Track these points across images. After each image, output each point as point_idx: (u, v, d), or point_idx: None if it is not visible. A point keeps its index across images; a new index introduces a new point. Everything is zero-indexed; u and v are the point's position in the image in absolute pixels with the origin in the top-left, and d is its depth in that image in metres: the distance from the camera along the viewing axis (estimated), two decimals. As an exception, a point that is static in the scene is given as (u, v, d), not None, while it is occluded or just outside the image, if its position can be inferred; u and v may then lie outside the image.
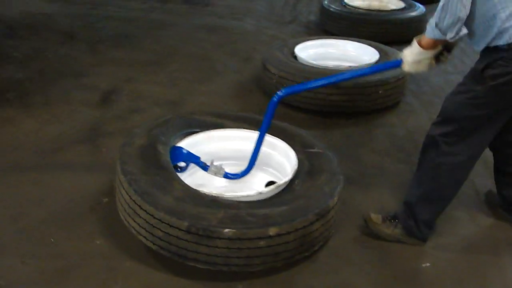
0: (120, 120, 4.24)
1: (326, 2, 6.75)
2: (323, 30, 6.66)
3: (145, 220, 2.53)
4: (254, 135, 3.17)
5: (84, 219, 3.05)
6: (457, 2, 2.42)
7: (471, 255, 2.93)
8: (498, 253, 2.94)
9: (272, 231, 2.45)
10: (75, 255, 2.78)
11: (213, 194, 2.67)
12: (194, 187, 2.71)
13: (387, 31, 6.18)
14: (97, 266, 2.71)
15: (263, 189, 2.83)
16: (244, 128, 3.31)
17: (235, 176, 3.13)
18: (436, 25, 2.53)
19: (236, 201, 2.62)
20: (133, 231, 2.66)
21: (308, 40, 5.17)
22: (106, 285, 2.61)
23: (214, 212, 2.47)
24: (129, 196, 2.60)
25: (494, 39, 2.46)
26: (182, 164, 3.08)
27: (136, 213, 2.57)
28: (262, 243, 2.45)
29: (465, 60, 4.58)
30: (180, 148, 3.07)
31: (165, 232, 2.47)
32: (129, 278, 2.65)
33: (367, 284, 2.70)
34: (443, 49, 2.69)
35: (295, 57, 4.76)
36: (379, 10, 6.75)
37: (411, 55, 2.73)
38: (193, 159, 3.07)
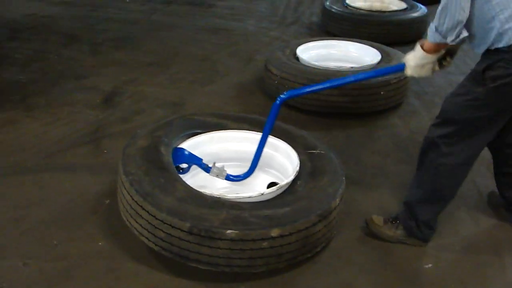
0: (122, 121, 4.24)
1: (328, 3, 6.75)
2: (325, 31, 6.66)
3: (147, 221, 2.53)
4: (256, 136, 3.17)
5: (86, 220, 3.05)
6: (455, 5, 2.41)
7: (473, 256, 2.93)
8: (500, 254, 2.93)
9: (274, 232, 2.44)
10: (77, 256, 2.78)
11: (215, 195, 2.67)
12: (196, 189, 2.71)
13: (389, 32, 6.18)
14: (99, 267, 2.72)
15: (265, 190, 2.82)
16: (246, 129, 3.30)
17: (237, 178, 3.12)
18: (436, 29, 2.53)
19: (239, 202, 2.62)
20: (135, 232, 2.66)
21: (310, 41, 5.16)
22: (107, 286, 2.61)
23: (216, 213, 2.47)
24: (131, 197, 2.60)
25: (494, 41, 2.46)
26: (184, 165, 3.08)
27: (138, 214, 2.57)
28: (264, 244, 2.45)
29: (467, 61, 4.57)
30: (182, 149, 3.07)
31: (167, 233, 2.47)
32: (131, 279, 2.65)
33: (369, 285, 2.70)
34: (445, 54, 2.69)
35: (297, 58, 4.75)
36: (380, 11, 6.74)
37: (414, 59, 2.72)
38: (195, 160, 3.07)
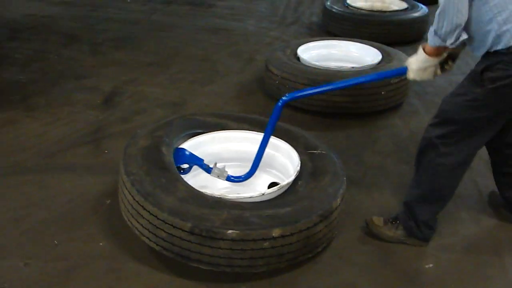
0: (122, 121, 4.24)
1: (328, 3, 6.74)
2: (326, 31, 6.66)
3: (148, 221, 2.53)
4: (257, 136, 3.17)
5: (87, 220, 3.05)
6: (452, 8, 2.42)
7: (474, 256, 2.92)
8: (501, 254, 2.93)
9: (275, 232, 2.44)
10: (78, 257, 2.78)
11: (216, 196, 2.66)
12: (197, 189, 2.70)
13: (389, 32, 6.17)
14: (100, 267, 2.71)
15: (266, 190, 2.82)
16: (247, 129, 3.30)
17: (238, 179, 3.12)
18: (435, 32, 2.54)
19: (240, 202, 2.61)
20: (136, 232, 2.66)
21: (310, 41, 5.16)
22: (108, 286, 2.61)
23: (217, 213, 2.46)
24: (132, 196, 2.60)
25: (492, 44, 2.45)
26: (185, 166, 3.07)
27: (140, 214, 2.57)
28: (265, 244, 2.45)
29: (469, 62, 4.56)
30: (183, 150, 3.07)
31: (169, 233, 2.47)
32: (132, 279, 2.65)
33: (370, 285, 2.70)
34: (447, 58, 2.70)
35: (297, 58, 4.75)
36: (381, 11, 6.74)
37: (417, 63, 2.73)
38: (196, 161, 3.06)
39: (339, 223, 2.87)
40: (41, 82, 4.92)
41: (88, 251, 2.82)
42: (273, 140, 3.10)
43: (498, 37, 2.42)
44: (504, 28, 2.40)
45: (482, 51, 2.53)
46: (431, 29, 2.56)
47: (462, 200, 3.33)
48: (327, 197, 2.69)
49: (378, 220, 2.99)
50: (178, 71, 5.35)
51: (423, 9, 6.60)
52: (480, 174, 3.55)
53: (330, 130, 4.19)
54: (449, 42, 2.51)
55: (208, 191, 2.72)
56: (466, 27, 2.49)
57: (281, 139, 3.17)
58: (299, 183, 2.82)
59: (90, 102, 4.56)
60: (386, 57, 4.69)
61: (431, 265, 2.83)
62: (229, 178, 3.11)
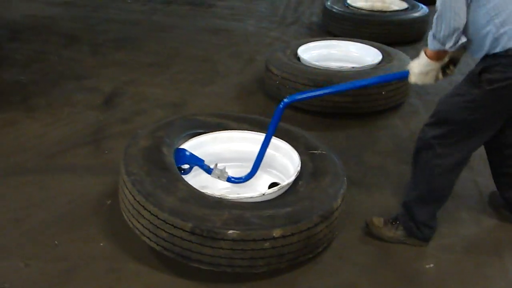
0: (122, 122, 4.24)
1: (328, 3, 6.74)
2: (326, 31, 6.65)
3: (149, 221, 2.53)
4: (258, 136, 3.18)
5: (87, 221, 3.05)
6: (449, 12, 2.42)
7: (474, 256, 2.92)
8: (501, 254, 2.93)
9: (276, 232, 2.44)
10: (78, 257, 2.78)
11: (217, 196, 2.66)
12: (198, 189, 2.70)
13: (390, 32, 6.17)
14: (100, 268, 2.71)
15: (266, 190, 2.82)
16: (247, 129, 3.30)
17: (238, 180, 3.12)
18: (434, 36, 2.55)
19: (241, 203, 2.61)
20: (137, 232, 2.66)
21: (310, 41, 5.16)
22: (108, 286, 2.61)
23: (218, 214, 2.46)
24: (133, 197, 2.60)
25: (490, 47, 2.45)
26: (186, 166, 3.08)
27: (140, 214, 2.57)
28: (266, 244, 2.45)
29: (469, 62, 4.54)
30: (184, 150, 3.07)
31: (169, 233, 2.47)
32: (132, 280, 2.65)
33: (370, 285, 2.70)
34: (449, 62, 2.70)
35: (297, 58, 4.75)
36: (382, 11, 6.74)
37: (418, 67, 2.73)
38: (197, 162, 3.06)
39: (340, 224, 2.87)
40: (42, 82, 4.92)
41: (89, 251, 2.82)
42: (273, 140, 3.10)
43: (496, 40, 2.42)
44: (502, 30, 2.40)
45: (481, 54, 2.53)
46: (430, 33, 2.57)
47: (462, 200, 3.33)
48: (327, 198, 2.69)
49: (378, 221, 2.99)
50: (179, 71, 5.35)
51: (423, 9, 6.60)
52: (480, 174, 3.55)
53: (331, 130, 4.19)
54: (448, 46, 2.52)
55: (208, 191, 2.72)
56: (464, 31, 2.50)
57: (282, 139, 3.17)
58: (299, 184, 2.82)
59: (91, 102, 4.56)
60: (386, 57, 4.69)
61: (431, 265, 2.83)
62: (230, 179, 3.11)
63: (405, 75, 2.82)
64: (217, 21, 7.18)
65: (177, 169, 2.84)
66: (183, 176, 2.91)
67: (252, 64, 5.59)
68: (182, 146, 3.10)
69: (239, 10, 7.71)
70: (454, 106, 2.62)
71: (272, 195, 2.77)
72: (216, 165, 3.08)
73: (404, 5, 6.81)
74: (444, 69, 2.73)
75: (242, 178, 3.12)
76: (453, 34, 2.47)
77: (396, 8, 6.86)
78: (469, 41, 2.55)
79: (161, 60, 5.63)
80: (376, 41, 5.17)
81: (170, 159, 2.89)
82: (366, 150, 3.93)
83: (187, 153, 3.06)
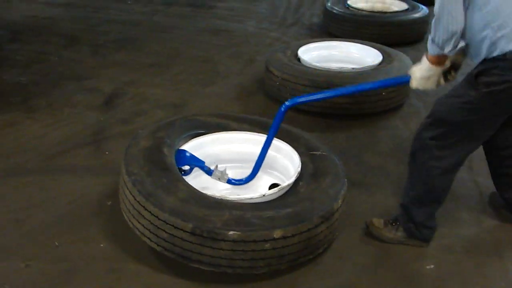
0: (123, 123, 4.24)
1: (329, 4, 6.74)
2: (326, 32, 6.65)
3: (149, 221, 2.53)
4: (258, 137, 3.18)
5: (88, 222, 3.05)
6: (447, 16, 2.42)
7: (475, 257, 2.92)
8: (502, 255, 2.93)
9: (277, 233, 2.44)
10: (79, 258, 2.78)
11: (217, 196, 2.66)
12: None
13: (390, 33, 6.17)
14: (100, 268, 2.71)
15: (266, 191, 2.82)
16: (249, 130, 3.30)
17: (238, 182, 3.12)
18: (433, 41, 2.55)
19: (241, 203, 2.61)
20: (137, 233, 2.66)
21: (311, 42, 5.17)
22: (109, 287, 2.61)
23: (219, 214, 2.46)
24: (134, 197, 2.60)
25: (488, 52, 2.45)
26: (186, 167, 3.08)
27: (141, 214, 2.57)
28: (266, 245, 2.45)
29: (470, 63, 4.57)
30: (184, 151, 3.07)
31: (170, 234, 2.47)
32: (133, 280, 2.65)
33: (371, 286, 2.70)
34: (450, 68, 2.70)
35: (298, 59, 4.75)
36: (382, 12, 6.74)
37: (420, 71, 2.73)
38: (197, 163, 3.06)
39: (340, 224, 2.87)
40: (42, 83, 4.92)
41: (89, 252, 2.82)
42: (274, 141, 3.10)
43: (493, 44, 2.42)
44: (499, 34, 2.39)
45: (479, 58, 2.52)
46: (429, 38, 2.57)
47: (462, 200, 3.33)
48: (328, 199, 2.69)
49: (378, 222, 2.99)
50: (179, 72, 5.35)
51: (423, 10, 6.60)
52: (480, 174, 3.54)
53: (331, 131, 4.20)
54: (447, 50, 2.52)
55: (209, 192, 2.72)
56: (462, 35, 2.50)
57: (282, 140, 3.17)
58: (300, 184, 2.82)
59: (91, 103, 4.56)
60: (386, 58, 4.70)
61: (432, 266, 2.83)
62: (230, 181, 3.11)
63: (406, 80, 2.83)
64: (217, 22, 7.18)
65: (177, 170, 2.84)
66: (184, 177, 2.91)
67: (252, 65, 5.60)
68: (182, 147, 3.10)
69: (240, 11, 7.71)
70: (450, 107, 2.62)
71: (273, 196, 2.77)
72: (216, 166, 3.08)
73: (404, 6, 6.81)
74: (446, 75, 2.73)
75: (242, 180, 3.12)
76: (451, 38, 2.47)
77: (396, 9, 6.87)
78: (467, 45, 2.55)
79: (161, 61, 5.63)
80: (377, 42, 5.17)
81: (171, 159, 2.89)
82: (366, 151, 3.93)
83: (188, 154, 3.06)
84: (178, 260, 2.54)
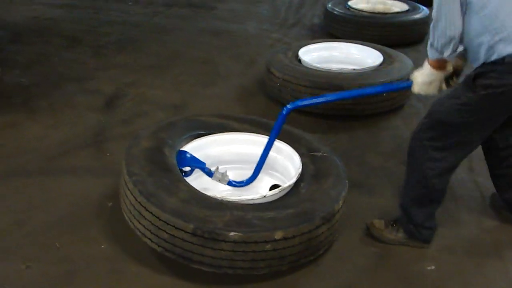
0: (124, 124, 4.24)
1: (330, 5, 6.74)
2: (327, 33, 6.66)
3: (150, 222, 2.52)
4: (259, 139, 3.18)
5: (89, 223, 3.05)
6: (444, 21, 2.43)
7: (475, 258, 2.92)
8: (503, 256, 2.93)
9: (278, 234, 2.44)
10: (80, 259, 2.78)
11: (217, 197, 2.66)
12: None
13: (391, 34, 6.18)
14: (101, 270, 2.71)
15: (267, 192, 2.82)
16: (250, 130, 3.30)
17: (239, 184, 3.12)
18: (432, 45, 2.55)
19: (242, 204, 2.61)
20: (138, 233, 2.66)
21: (312, 43, 5.17)
22: (110, 288, 2.61)
23: (220, 215, 2.46)
24: (135, 197, 2.60)
25: (486, 57, 2.45)
26: (187, 168, 3.07)
27: (142, 215, 2.57)
28: (267, 246, 2.44)
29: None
30: (185, 152, 3.07)
31: (171, 234, 2.46)
32: (133, 281, 2.65)
33: (371, 287, 2.70)
34: (452, 74, 2.71)
35: (299, 60, 4.75)
36: (383, 13, 6.73)
37: (422, 76, 2.73)
38: (198, 164, 3.06)
39: (341, 226, 2.87)
40: (43, 84, 4.92)
41: (90, 253, 2.82)
42: (275, 142, 3.10)
43: (491, 48, 2.42)
44: (497, 38, 2.39)
45: (478, 63, 2.52)
46: (428, 42, 2.58)
47: (463, 201, 3.33)
48: (329, 200, 2.69)
49: (379, 223, 2.99)
50: (180, 73, 5.35)
51: (424, 11, 6.60)
52: (481, 175, 3.54)
53: (332, 132, 4.19)
54: (446, 54, 2.53)
55: (209, 193, 2.72)
56: (461, 39, 2.50)
57: (283, 141, 3.17)
58: (301, 186, 2.81)
59: (92, 104, 4.56)
60: (387, 59, 4.70)
61: (432, 267, 2.83)
62: (230, 183, 3.11)
63: (409, 85, 2.83)
64: (218, 23, 7.18)
65: (178, 170, 2.84)
66: (185, 178, 2.91)
67: (253, 66, 5.60)
68: (183, 148, 3.10)
69: (240, 12, 7.71)
70: (448, 108, 2.61)
71: (274, 197, 2.77)
72: (217, 168, 3.08)
73: (405, 7, 6.81)
74: (448, 80, 2.73)
75: (243, 182, 3.12)
76: (450, 43, 2.48)
77: (397, 10, 6.86)
78: (465, 49, 2.56)
79: (162, 62, 5.63)
80: (377, 43, 5.18)
81: (172, 160, 2.89)
82: (368, 152, 3.93)
83: (188, 156, 3.06)
84: (179, 261, 2.54)
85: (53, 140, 3.95)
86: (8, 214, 3.10)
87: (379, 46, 5.05)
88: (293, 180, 2.85)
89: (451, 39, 2.46)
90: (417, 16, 6.47)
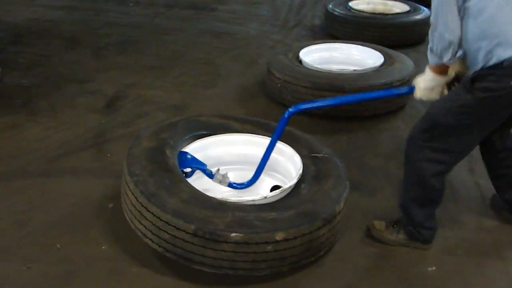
0: (125, 125, 4.24)
1: (330, 6, 6.74)
2: (328, 34, 6.66)
3: (151, 222, 2.52)
4: (260, 140, 3.18)
5: (90, 224, 3.05)
6: (442, 26, 2.44)
7: (476, 259, 2.92)
8: (503, 257, 2.93)
9: (279, 236, 2.44)
10: (80, 260, 2.78)
11: (218, 198, 2.66)
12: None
13: (391, 35, 6.17)
14: (102, 270, 2.71)
15: (268, 193, 2.82)
16: (252, 131, 3.29)
17: (240, 186, 3.12)
18: (431, 50, 2.55)
19: (244, 205, 2.61)
20: (139, 234, 2.65)
21: (312, 44, 5.17)
22: (111, 289, 2.61)
23: (221, 216, 2.46)
24: (136, 197, 2.59)
25: (485, 60, 2.44)
26: (188, 169, 3.07)
27: (143, 215, 2.56)
28: (268, 247, 2.44)
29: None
30: (186, 153, 3.07)
31: (172, 235, 2.46)
32: (134, 282, 2.65)
33: (373, 288, 2.70)
34: (454, 80, 2.71)
35: (299, 61, 4.75)
36: (383, 14, 6.73)
37: (424, 82, 2.73)
38: (199, 165, 3.06)
39: (342, 227, 2.86)
40: (44, 86, 4.93)
41: (90, 253, 2.82)
42: (276, 143, 3.10)
43: (490, 53, 2.41)
44: (495, 42, 2.39)
45: (477, 67, 2.51)
46: (428, 47, 2.58)
47: (464, 202, 3.33)
48: (330, 201, 2.69)
49: (379, 225, 2.99)
50: (180, 74, 5.35)
51: (425, 12, 6.59)
52: (482, 176, 3.52)
53: (333, 133, 4.19)
54: (446, 59, 2.53)
55: (210, 193, 2.72)
56: (460, 44, 2.51)
57: (284, 142, 3.16)
58: (302, 187, 2.81)
59: (93, 105, 4.56)
60: (388, 59, 4.70)
61: (433, 267, 2.83)
62: (231, 185, 3.10)
63: (411, 90, 2.83)
64: (219, 24, 7.18)
65: (180, 171, 2.84)
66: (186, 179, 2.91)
67: (254, 67, 5.60)
68: (184, 149, 3.10)
69: (241, 14, 7.72)
70: (445, 110, 2.61)
71: (275, 198, 2.77)
72: (218, 169, 3.08)
73: (406, 8, 6.81)
74: (450, 86, 2.73)
75: (243, 184, 3.12)
76: (448, 48, 2.48)
77: (397, 10, 6.86)
78: (465, 55, 2.56)
79: (163, 63, 5.63)
80: (378, 44, 5.18)
81: (173, 160, 2.88)
82: (368, 153, 3.93)
83: (189, 157, 3.06)
84: (180, 261, 2.53)
85: (53, 141, 3.95)
86: (9, 214, 3.11)
87: (379, 47, 5.05)
88: (294, 181, 2.84)
89: (450, 44, 2.47)
90: (418, 17, 6.47)
